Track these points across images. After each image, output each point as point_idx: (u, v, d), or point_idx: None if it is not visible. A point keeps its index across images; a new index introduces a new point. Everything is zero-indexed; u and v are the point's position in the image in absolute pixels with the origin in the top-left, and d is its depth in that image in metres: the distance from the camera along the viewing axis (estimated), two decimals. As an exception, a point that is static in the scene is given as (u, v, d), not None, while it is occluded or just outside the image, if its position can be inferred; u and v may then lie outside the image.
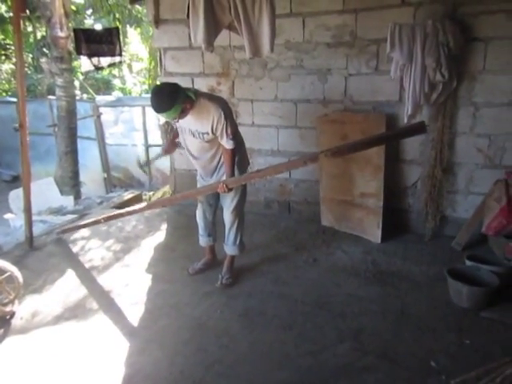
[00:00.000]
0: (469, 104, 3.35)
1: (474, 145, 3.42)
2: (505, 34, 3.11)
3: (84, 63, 4.93)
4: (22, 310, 2.77)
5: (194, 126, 2.66)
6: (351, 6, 3.45)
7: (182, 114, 2.55)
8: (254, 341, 2.43)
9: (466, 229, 3.43)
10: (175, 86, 2.55)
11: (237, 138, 2.74)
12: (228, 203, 2.90)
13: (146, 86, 12.50)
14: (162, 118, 3.58)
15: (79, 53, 4.74)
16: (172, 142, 3.04)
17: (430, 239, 3.61)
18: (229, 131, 2.61)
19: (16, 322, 2.67)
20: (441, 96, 3.25)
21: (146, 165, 3.13)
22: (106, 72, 11.10)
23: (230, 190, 2.69)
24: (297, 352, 2.33)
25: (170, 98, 2.45)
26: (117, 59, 4.88)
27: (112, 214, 3.27)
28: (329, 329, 2.51)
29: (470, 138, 3.42)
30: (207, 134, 2.65)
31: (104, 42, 4.65)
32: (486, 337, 2.40)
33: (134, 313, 2.72)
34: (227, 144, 2.66)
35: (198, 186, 3.07)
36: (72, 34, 6.15)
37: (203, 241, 3.19)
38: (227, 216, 2.94)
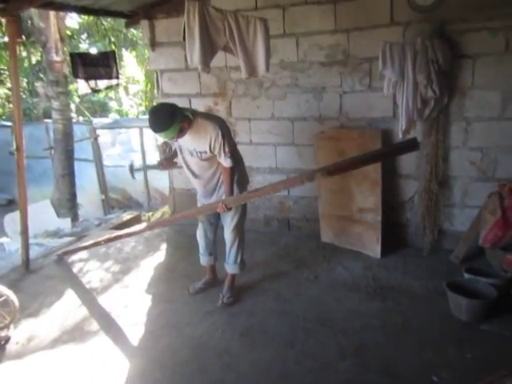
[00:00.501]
0: (460, 119, 3.42)
1: (467, 158, 3.47)
2: (490, 50, 3.20)
3: (81, 86, 4.98)
4: (18, 334, 2.74)
5: (192, 145, 2.69)
6: (343, 26, 3.54)
7: (180, 133, 2.58)
8: (255, 359, 2.41)
9: (463, 242, 3.45)
10: (173, 106, 2.59)
11: (235, 156, 2.77)
12: (228, 222, 2.91)
13: (142, 108, 12.63)
14: (161, 139, 3.61)
15: (76, 76, 4.79)
16: (171, 159, 3.04)
17: (429, 253, 3.62)
18: (226, 149, 2.63)
19: (11, 347, 2.63)
20: (433, 111, 3.32)
21: (137, 170, 3.09)
22: (102, 94, 11.21)
23: (229, 209, 2.71)
24: (298, 369, 2.31)
25: (167, 117, 2.48)
26: (114, 82, 4.95)
27: (113, 235, 3.27)
28: (330, 345, 2.49)
29: (463, 151, 3.47)
30: (205, 152, 2.68)
31: (101, 65, 4.72)
32: (486, 349, 2.39)
33: (134, 334, 2.70)
34: (225, 162, 2.68)
35: (199, 205, 3.07)
36: (68, 58, 6.27)
37: (204, 260, 3.18)
38: (228, 234, 2.94)
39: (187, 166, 2.86)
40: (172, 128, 2.49)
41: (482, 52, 3.23)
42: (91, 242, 3.57)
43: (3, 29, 8.31)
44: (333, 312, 2.83)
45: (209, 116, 2.82)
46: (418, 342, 2.50)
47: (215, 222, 3.06)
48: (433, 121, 3.41)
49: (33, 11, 5.72)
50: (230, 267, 3.03)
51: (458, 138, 3.46)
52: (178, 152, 2.85)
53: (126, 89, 12.60)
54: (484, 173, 3.44)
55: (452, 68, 3.25)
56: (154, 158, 6.53)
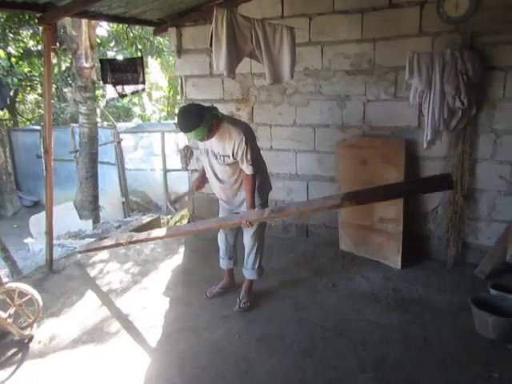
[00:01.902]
0: (489, 131, 3.34)
1: (495, 172, 3.38)
2: (523, 63, 3.13)
3: (109, 91, 5.09)
4: (41, 333, 2.78)
5: (217, 148, 2.70)
6: (369, 35, 3.53)
7: (210, 133, 2.56)
8: (273, 367, 2.39)
9: (489, 257, 3.35)
10: (201, 105, 2.59)
11: (258, 163, 2.76)
12: (249, 227, 2.90)
13: (164, 113, 12.86)
14: (182, 142, 3.65)
15: (105, 81, 4.91)
16: (202, 177, 3.01)
17: (452, 266, 3.53)
18: (249, 156, 2.62)
19: (34, 345, 2.67)
20: (460, 122, 3.25)
21: (176, 202, 3.19)
22: (126, 100, 11.47)
23: (252, 225, 2.70)
24: (317, 380, 2.28)
25: (197, 116, 2.46)
26: (140, 87, 5.05)
27: (134, 238, 3.30)
28: (350, 357, 2.45)
29: (491, 164, 3.38)
30: (228, 157, 2.67)
31: (128, 71, 4.82)
32: (514, 370, 2.30)
33: (152, 336, 2.71)
34: (247, 169, 2.68)
35: (221, 210, 3.08)
36: (97, 64, 6.44)
37: (223, 263, 3.18)
38: (247, 240, 2.94)
39: (212, 169, 2.85)
40: (201, 127, 2.47)
41: (515, 65, 3.16)
42: (113, 241, 3.60)
43: (37, 37, 8.67)
44: (352, 322, 2.79)
45: (235, 121, 2.81)
46: (441, 358, 2.42)
47: (236, 227, 3.05)
48: (460, 132, 3.35)
49: (66, 20, 5.93)
50: (248, 272, 3.02)
51: (486, 150, 3.38)
52: (204, 155, 2.85)
53: (149, 95, 12.86)
54: (513, 187, 3.35)
55: (482, 80, 3.19)
56: (174, 161, 6.63)
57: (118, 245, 3.49)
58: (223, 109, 4.23)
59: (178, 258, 3.93)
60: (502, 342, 2.51)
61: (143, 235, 3.26)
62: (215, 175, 2.86)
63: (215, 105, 4.26)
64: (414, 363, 2.39)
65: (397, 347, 2.53)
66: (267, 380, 2.29)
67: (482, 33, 3.18)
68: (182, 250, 4.13)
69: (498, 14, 3.09)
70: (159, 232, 3.22)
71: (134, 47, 9.07)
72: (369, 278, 3.39)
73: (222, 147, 2.67)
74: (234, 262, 3.18)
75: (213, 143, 2.69)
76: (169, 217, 5.76)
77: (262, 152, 4.02)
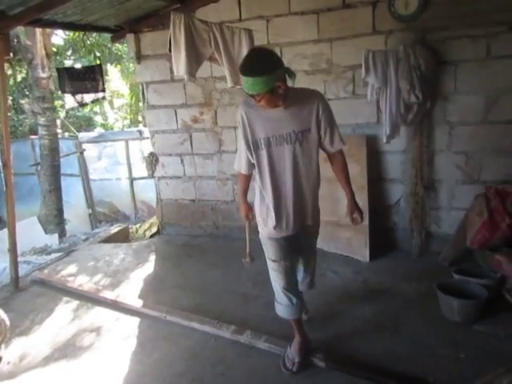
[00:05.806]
0: (444, 123, 3.49)
1: (452, 162, 3.54)
2: (471, 56, 3.29)
3: (68, 100, 4.98)
4: (9, 353, 2.68)
5: (289, 125, 1.99)
6: (326, 35, 3.61)
7: (273, 96, 1.87)
8: (250, 367, 2.40)
9: (451, 244, 3.50)
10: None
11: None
12: (313, 245, 2.49)
13: (127, 121, 12.63)
14: (147, 149, 3.55)
15: (63, 91, 4.78)
16: (245, 199, 2.43)
17: (418, 256, 3.66)
18: (336, 125, 2.04)
19: (3, 367, 2.58)
20: (416, 116, 3.38)
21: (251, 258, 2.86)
22: (87, 109, 11.18)
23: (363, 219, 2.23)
24: (294, 377, 2.30)
25: (272, 60, 1.85)
26: (100, 95, 4.95)
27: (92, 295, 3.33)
28: (325, 350, 2.48)
29: (448, 155, 3.54)
30: (308, 130, 2.00)
31: (87, 79, 4.71)
32: (480, 350, 2.41)
33: (127, 347, 2.67)
34: (340, 143, 2.06)
35: (274, 246, 2.20)
36: (54, 73, 6.25)
37: (295, 311, 2.27)
38: (311, 257, 2.53)
39: (272, 168, 2.06)
40: (273, 76, 1.80)
41: (463, 58, 3.32)
42: (74, 286, 3.52)
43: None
44: (325, 317, 2.84)
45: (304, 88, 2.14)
46: (411, 344, 2.51)
47: (297, 253, 2.36)
48: (417, 125, 3.48)
49: (19, 29, 5.72)
50: (308, 285, 2.62)
51: (442, 141, 3.53)
52: (260, 148, 2.05)
53: (110, 103, 12.59)
54: (470, 176, 3.51)
55: (435, 74, 3.33)
56: (140, 169, 6.53)
57: (74, 289, 3.42)
58: (186, 113, 4.24)
59: (149, 267, 3.87)
60: (467, 323, 2.62)
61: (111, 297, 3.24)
62: (278, 176, 2.07)
63: (178, 110, 4.27)
64: (386, 351, 2.46)
65: (369, 337, 2.59)
66: (245, 380, 2.30)
67: (431, 29, 3.33)
68: (152, 257, 4.07)
69: (445, 11, 3.24)
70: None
71: (92, 55, 8.86)
72: (339, 272, 3.47)
73: (298, 119, 1.99)
74: (304, 304, 2.45)
75: (279, 123, 1.99)
76: (137, 225, 5.67)
77: (228, 155, 4.04)
